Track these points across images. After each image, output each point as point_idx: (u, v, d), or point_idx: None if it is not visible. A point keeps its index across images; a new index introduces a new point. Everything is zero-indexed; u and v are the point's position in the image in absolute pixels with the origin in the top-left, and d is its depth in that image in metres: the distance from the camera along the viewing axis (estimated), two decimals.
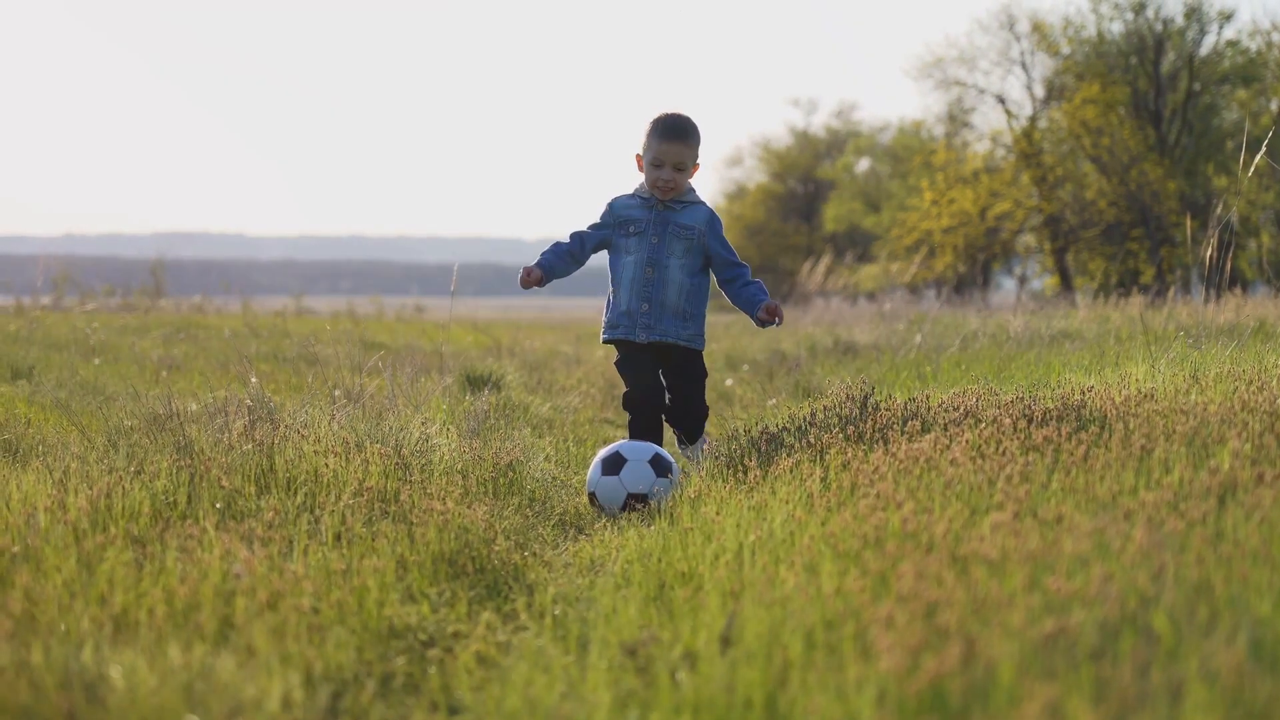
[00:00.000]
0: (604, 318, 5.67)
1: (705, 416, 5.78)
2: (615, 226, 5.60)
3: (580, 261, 5.66)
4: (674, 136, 5.49)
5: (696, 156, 5.53)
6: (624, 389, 5.63)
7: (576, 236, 5.64)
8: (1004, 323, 12.08)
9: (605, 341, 5.68)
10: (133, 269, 29.11)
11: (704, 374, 5.69)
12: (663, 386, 5.62)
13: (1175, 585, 2.68)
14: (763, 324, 5.48)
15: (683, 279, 5.54)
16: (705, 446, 5.71)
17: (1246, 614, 2.55)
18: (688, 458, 5.75)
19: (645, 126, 5.55)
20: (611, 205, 5.65)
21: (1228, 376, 5.28)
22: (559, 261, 5.61)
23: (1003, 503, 3.42)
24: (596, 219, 5.66)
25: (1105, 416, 4.50)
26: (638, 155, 5.58)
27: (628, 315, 5.55)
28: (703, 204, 5.61)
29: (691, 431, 5.77)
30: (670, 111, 5.57)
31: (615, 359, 5.72)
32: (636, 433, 5.54)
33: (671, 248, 5.52)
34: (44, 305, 19.35)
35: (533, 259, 5.59)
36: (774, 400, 8.54)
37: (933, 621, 2.61)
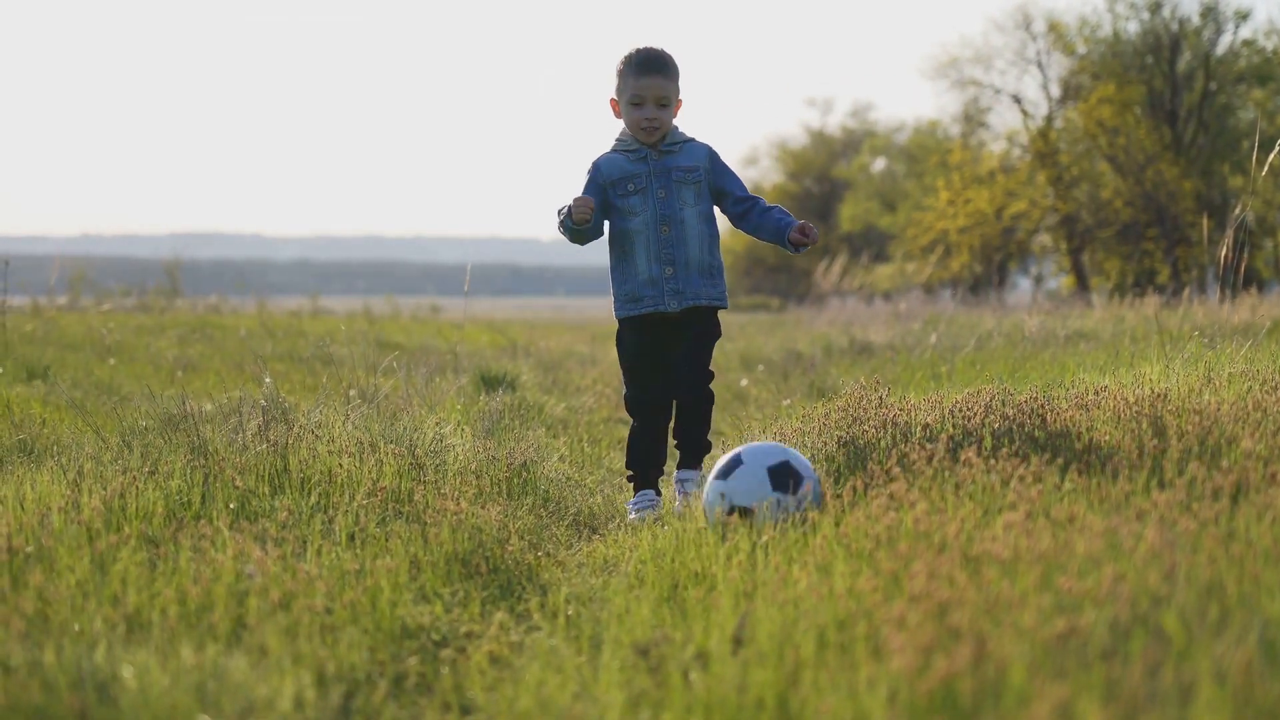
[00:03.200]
0: (615, 291, 4.99)
1: (711, 399, 4.99)
2: (609, 187, 4.92)
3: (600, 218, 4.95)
4: (651, 69, 4.89)
5: (679, 92, 4.94)
6: (627, 387, 5.01)
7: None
8: (1019, 322, 12.06)
9: (624, 319, 4.98)
10: (148, 269, 29.18)
11: (718, 332, 5.03)
12: (668, 390, 4.97)
13: (1187, 585, 2.67)
14: (798, 246, 4.94)
15: (701, 228, 4.93)
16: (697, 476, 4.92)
17: (1258, 614, 2.55)
18: (682, 490, 4.92)
19: (617, 67, 4.93)
20: (597, 166, 4.97)
21: (1242, 376, 5.27)
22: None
23: (1015, 503, 3.41)
24: (583, 187, 4.95)
25: (1119, 418, 4.49)
26: (612, 100, 4.96)
27: (651, 284, 4.90)
28: (697, 141, 5.01)
29: (694, 434, 4.97)
30: (642, 46, 4.94)
31: (621, 341, 5.04)
32: (642, 444, 4.97)
33: (682, 197, 4.92)
34: (60, 305, 19.42)
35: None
36: (789, 400, 8.53)
37: (944, 621, 2.61)
